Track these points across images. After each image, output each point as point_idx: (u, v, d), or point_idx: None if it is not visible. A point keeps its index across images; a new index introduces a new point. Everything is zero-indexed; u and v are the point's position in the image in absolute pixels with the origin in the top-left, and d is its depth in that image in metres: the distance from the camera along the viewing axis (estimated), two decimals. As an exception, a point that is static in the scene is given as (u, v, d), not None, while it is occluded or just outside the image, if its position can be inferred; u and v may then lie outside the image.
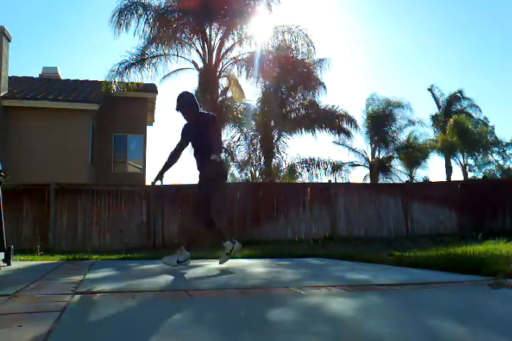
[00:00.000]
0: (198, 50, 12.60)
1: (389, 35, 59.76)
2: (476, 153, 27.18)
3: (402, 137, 22.30)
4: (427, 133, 25.10)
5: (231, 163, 18.04)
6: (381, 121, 21.07)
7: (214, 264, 4.58)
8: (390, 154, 21.91)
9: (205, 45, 12.49)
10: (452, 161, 26.01)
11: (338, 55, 51.54)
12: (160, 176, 4.52)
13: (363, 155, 21.55)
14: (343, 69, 50.96)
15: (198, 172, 4.33)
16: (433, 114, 26.84)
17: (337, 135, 17.52)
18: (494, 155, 33.42)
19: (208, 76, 12.45)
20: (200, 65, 12.71)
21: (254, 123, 17.06)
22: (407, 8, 53.84)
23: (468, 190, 11.82)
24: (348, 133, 17.62)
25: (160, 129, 67.03)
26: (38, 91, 14.12)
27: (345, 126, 17.20)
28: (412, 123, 21.93)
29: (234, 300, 2.39)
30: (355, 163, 21.35)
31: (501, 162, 35.63)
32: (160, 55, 12.59)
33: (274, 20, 12.74)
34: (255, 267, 4.14)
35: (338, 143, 20.02)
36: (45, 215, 9.60)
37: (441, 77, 57.79)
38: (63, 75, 17.44)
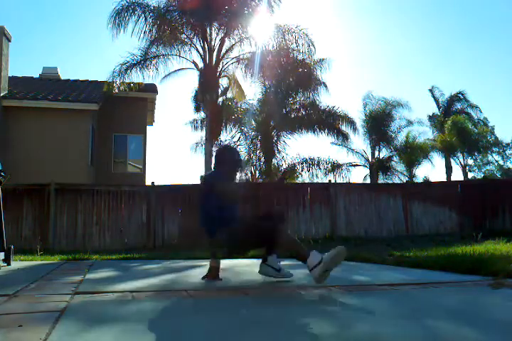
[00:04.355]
0: (198, 50, 12.58)
1: (389, 35, 59.76)
2: (476, 153, 27.12)
3: (402, 137, 22.33)
4: (426, 133, 25.12)
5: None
6: (380, 121, 21.05)
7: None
8: (390, 154, 21.92)
9: (206, 45, 12.47)
10: (452, 161, 25.98)
11: (338, 55, 51.55)
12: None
13: (362, 155, 21.54)
14: (343, 69, 50.95)
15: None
16: (430, 114, 26.83)
17: (336, 136, 17.48)
18: (494, 155, 33.40)
19: (208, 76, 12.43)
20: (201, 64, 12.69)
21: (254, 123, 17.06)
22: (407, 9, 53.84)
23: (468, 189, 11.81)
24: (346, 136, 17.61)
25: (160, 129, 67.02)
26: (38, 91, 14.11)
27: (344, 127, 17.18)
28: (410, 123, 21.95)
29: (234, 300, 2.39)
30: (355, 163, 21.35)
31: (501, 162, 35.63)
32: (161, 55, 12.58)
33: (275, 20, 12.70)
34: (255, 267, 4.13)
35: (338, 144, 20.01)
36: (45, 215, 9.60)
37: (441, 77, 57.77)
38: (63, 75, 17.44)
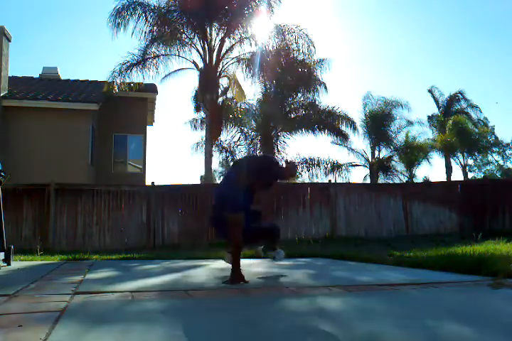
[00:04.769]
0: (198, 50, 12.59)
1: (389, 34, 59.77)
2: (476, 153, 27.11)
3: (402, 137, 22.35)
4: (426, 133, 25.14)
5: (231, 163, 18.03)
6: (380, 121, 21.07)
7: (214, 264, 4.58)
8: (390, 154, 21.93)
9: (206, 45, 12.47)
10: (452, 161, 26.00)
11: (338, 54, 51.56)
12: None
13: (362, 156, 21.57)
14: (343, 69, 50.97)
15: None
16: (430, 115, 26.84)
17: (336, 136, 17.47)
18: (494, 155, 33.36)
19: (209, 76, 12.43)
20: (201, 64, 12.70)
21: (254, 123, 17.06)
22: (407, 8, 53.85)
23: (468, 190, 11.80)
24: (346, 136, 17.62)
25: (160, 129, 67.11)
26: (38, 91, 14.11)
27: (344, 127, 17.18)
28: (410, 123, 21.98)
29: (234, 300, 2.39)
30: (355, 163, 21.37)
31: (501, 162, 35.60)
32: (161, 55, 12.59)
33: (275, 20, 12.71)
34: (255, 267, 4.14)
35: (338, 144, 20.01)
36: (45, 215, 9.59)
37: (441, 77, 57.80)
38: (63, 75, 17.43)
